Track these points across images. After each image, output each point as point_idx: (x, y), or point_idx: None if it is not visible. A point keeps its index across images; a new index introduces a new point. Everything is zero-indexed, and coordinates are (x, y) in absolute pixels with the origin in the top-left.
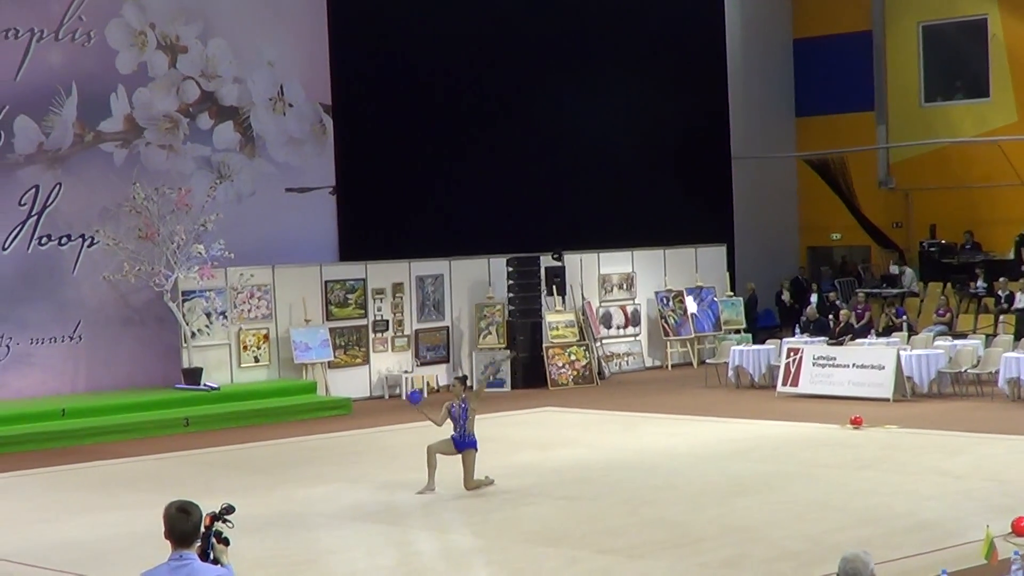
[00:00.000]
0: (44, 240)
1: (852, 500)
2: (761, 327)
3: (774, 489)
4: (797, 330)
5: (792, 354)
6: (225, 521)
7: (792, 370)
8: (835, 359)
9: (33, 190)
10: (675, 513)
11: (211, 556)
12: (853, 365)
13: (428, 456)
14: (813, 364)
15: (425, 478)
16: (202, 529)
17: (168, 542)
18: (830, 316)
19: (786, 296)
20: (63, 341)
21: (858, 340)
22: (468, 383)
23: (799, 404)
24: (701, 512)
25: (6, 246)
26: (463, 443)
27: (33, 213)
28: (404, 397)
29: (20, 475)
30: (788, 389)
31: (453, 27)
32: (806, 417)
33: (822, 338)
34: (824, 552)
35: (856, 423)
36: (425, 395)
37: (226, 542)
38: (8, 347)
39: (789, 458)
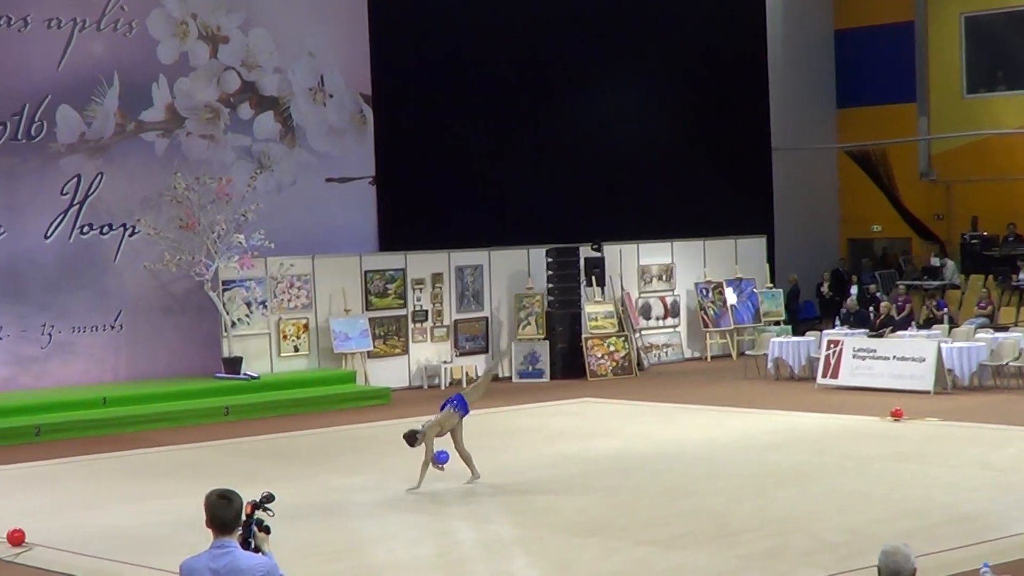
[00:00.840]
0: (86, 229)
1: (893, 492)
2: (801, 319)
3: (814, 481)
4: (837, 322)
5: (832, 346)
6: (266, 509)
7: (832, 362)
8: (875, 351)
9: (75, 179)
10: (715, 504)
11: (252, 544)
12: (894, 357)
13: (461, 456)
14: (853, 356)
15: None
16: (243, 517)
17: (209, 530)
18: (871, 308)
19: (825, 288)
20: (104, 330)
21: (899, 332)
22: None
23: (839, 396)
24: (741, 503)
25: (48, 235)
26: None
27: (75, 202)
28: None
29: (62, 463)
30: (828, 381)
31: (493, 17)
32: (846, 409)
33: (862, 330)
34: (865, 544)
35: (897, 415)
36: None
37: (267, 530)
38: (50, 336)
39: (829, 450)
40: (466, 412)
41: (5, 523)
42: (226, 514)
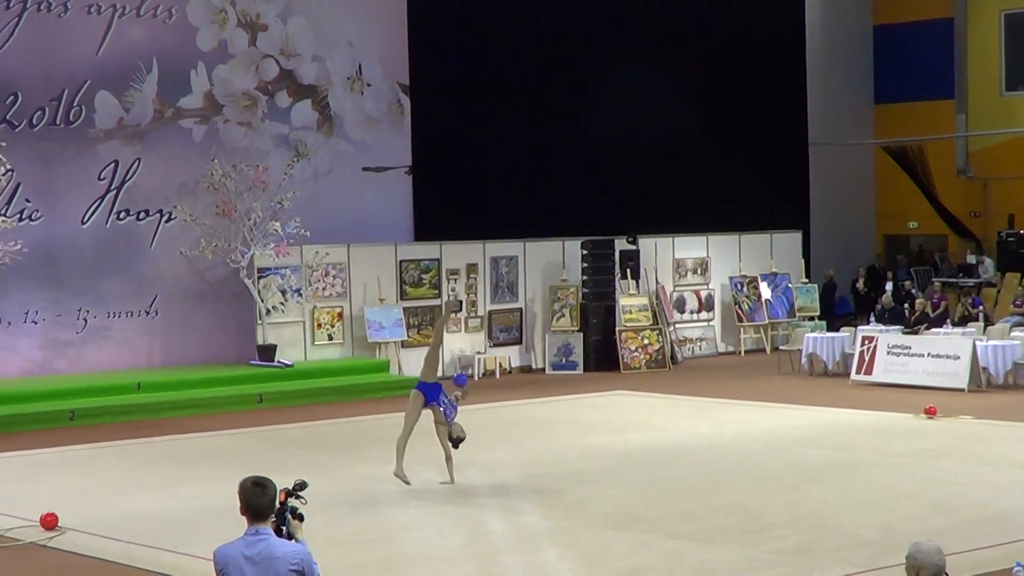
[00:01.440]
0: (122, 215)
1: (925, 489)
2: (837, 315)
3: (847, 477)
4: (872, 318)
5: (867, 342)
6: (299, 497)
7: (866, 358)
8: (910, 348)
9: (112, 165)
10: (746, 499)
11: (285, 531)
12: (928, 355)
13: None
14: (888, 353)
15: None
16: (277, 505)
17: (243, 517)
18: (906, 305)
19: (860, 284)
20: (140, 315)
21: (933, 329)
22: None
23: (873, 392)
24: (773, 498)
25: (85, 220)
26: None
27: (112, 188)
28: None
29: (96, 447)
30: (862, 377)
31: (531, 8)
32: (880, 406)
33: (897, 327)
34: (897, 541)
35: (930, 413)
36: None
37: (301, 518)
38: (86, 320)
39: (862, 446)
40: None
41: (38, 507)
42: (260, 501)
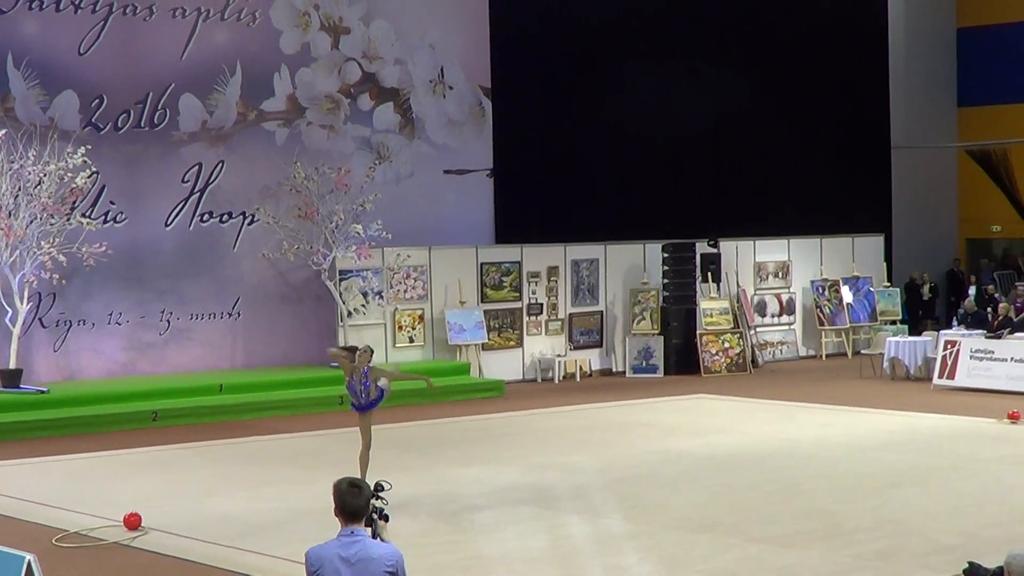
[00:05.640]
0: (206, 217)
1: (1009, 495)
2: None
3: (929, 482)
4: (954, 323)
5: (949, 347)
6: (379, 498)
7: (949, 363)
8: (993, 353)
9: (196, 167)
10: (829, 503)
11: (371, 532)
12: (1011, 359)
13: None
14: (971, 357)
15: None
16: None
17: (336, 518)
18: (988, 309)
19: (926, 289)
20: (222, 317)
21: (1017, 334)
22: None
23: (956, 397)
24: (855, 503)
25: (169, 222)
26: (365, 407)
27: (195, 190)
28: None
29: (178, 448)
30: (944, 382)
31: (612, 12)
32: (962, 410)
33: (980, 331)
34: (980, 547)
35: (1014, 418)
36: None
37: (386, 519)
38: (169, 322)
39: (945, 451)
40: (364, 409)
41: (122, 507)
42: (357, 502)
